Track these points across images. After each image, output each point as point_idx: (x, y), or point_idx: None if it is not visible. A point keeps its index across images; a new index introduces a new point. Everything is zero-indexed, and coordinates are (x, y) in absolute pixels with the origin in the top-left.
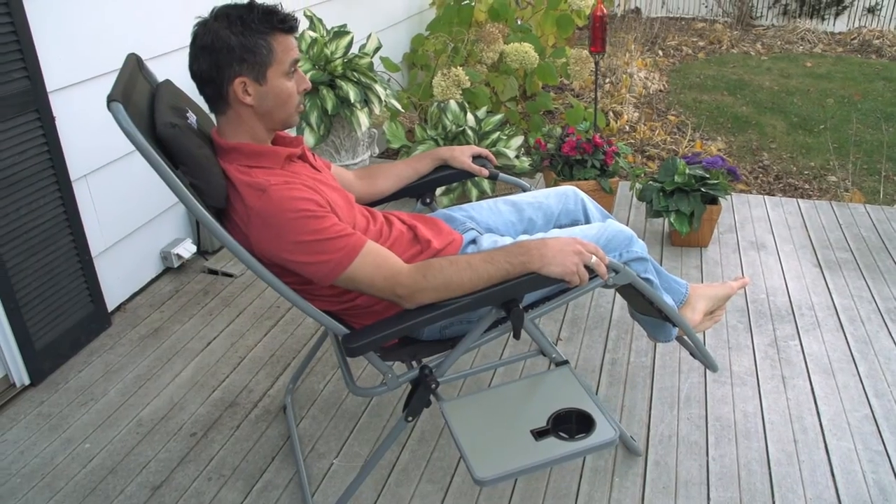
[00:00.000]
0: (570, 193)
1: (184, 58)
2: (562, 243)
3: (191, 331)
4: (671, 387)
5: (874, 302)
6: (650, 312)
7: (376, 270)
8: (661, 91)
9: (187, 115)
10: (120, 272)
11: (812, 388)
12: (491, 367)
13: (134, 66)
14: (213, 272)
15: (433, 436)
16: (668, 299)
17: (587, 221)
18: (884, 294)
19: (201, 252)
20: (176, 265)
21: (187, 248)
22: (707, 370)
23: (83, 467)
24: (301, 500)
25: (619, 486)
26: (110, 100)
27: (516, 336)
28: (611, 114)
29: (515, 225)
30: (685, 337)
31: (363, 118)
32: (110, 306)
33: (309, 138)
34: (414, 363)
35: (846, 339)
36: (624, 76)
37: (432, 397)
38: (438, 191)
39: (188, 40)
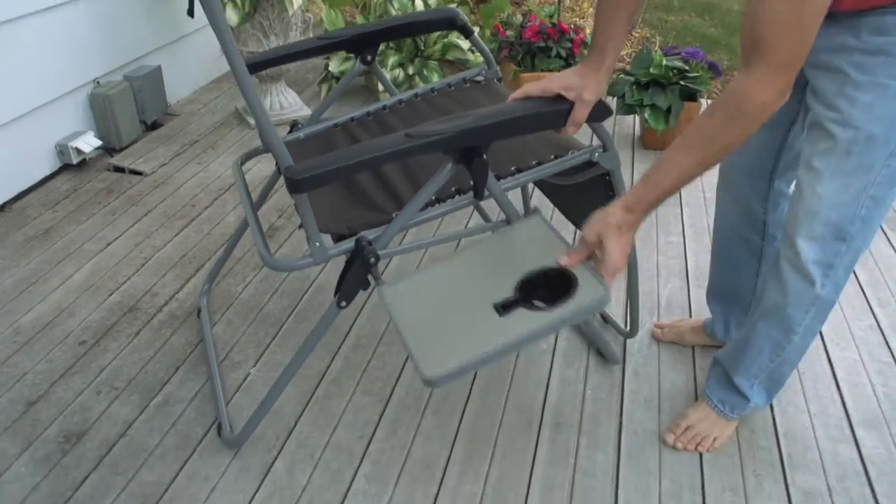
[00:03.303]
0: None
1: (40, 23)
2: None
3: (88, 231)
4: (650, 291)
5: None
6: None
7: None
8: None
9: None
10: (3, 166)
11: None
12: (454, 238)
13: None
14: (120, 170)
15: (371, 342)
16: None
17: None
18: None
19: (107, 148)
20: (75, 161)
21: (89, 142)
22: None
23: None
24: (210, 415)
25: (593, 399)
26: None
27: (477, 195)
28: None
29: None
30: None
31: None
32: None
33: (232, 16)
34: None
35: None
36: None
37: (370, 277)
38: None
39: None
